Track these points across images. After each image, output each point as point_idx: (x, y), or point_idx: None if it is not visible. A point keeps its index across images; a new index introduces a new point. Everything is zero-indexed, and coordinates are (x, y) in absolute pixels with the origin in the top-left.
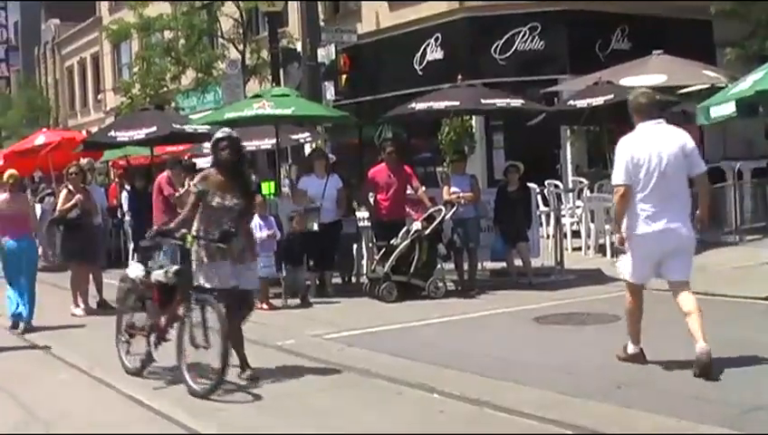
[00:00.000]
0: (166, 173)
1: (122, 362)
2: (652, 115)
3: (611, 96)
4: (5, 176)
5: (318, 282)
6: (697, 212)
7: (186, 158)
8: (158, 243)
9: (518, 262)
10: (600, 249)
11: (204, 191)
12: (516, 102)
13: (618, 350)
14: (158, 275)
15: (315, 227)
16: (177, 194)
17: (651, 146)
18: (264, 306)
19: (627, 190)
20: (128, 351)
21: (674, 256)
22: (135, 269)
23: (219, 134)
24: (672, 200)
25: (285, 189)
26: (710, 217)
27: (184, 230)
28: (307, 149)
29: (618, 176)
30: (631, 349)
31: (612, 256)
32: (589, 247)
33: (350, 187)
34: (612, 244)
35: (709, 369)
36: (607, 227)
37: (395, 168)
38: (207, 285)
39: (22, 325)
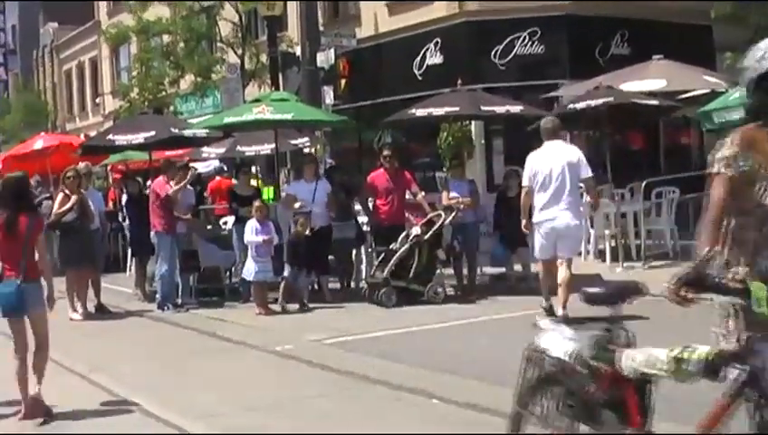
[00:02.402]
0: (161, 177)
1: None
2: (555, 136)
3: (611, 99)
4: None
5: (316, 287)
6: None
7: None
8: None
9: (518, 267)
10: (600, 255)
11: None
12: (516, 109)
13: None
14: (639, 360)
15: (307, 232)
16: (173, 195)
17: (548, 158)
18: (263, 311)
19: (529, 190)
20: None
21: (562, 238)
22: (560, 340)
23: None
24: (561, 196)
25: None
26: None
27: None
28: None
29: (524, 180)
30: (545, 304)
31: (612, 261)
32: (588, 253)
33: (349, 191)
34: (613, 248)
35: None
36: (606, 232)
37: (394, 172)
38: None
39: None
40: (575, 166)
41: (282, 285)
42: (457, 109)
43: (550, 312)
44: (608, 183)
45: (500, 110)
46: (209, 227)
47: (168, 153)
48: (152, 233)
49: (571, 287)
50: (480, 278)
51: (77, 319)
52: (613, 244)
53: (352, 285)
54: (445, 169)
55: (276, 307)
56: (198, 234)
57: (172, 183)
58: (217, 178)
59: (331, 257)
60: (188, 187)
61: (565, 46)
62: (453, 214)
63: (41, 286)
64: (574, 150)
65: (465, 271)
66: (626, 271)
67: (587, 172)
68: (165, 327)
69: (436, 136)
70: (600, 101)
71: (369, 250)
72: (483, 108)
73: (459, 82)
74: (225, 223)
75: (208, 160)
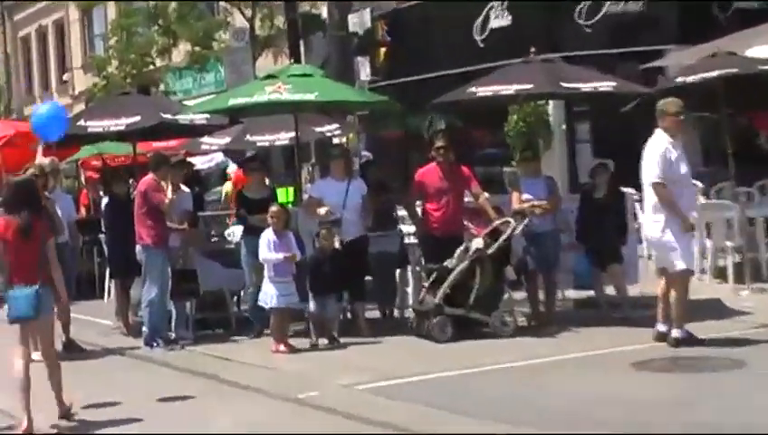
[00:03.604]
0: (150, 176)
1: None
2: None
3: (734, 69)
4: None
5: (349, 316)
6: None
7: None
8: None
9: (610, 290)
10: (720, 274)
11: None
12: (607, 85)
13: (746, 405)
14: None
15: (337, 244)
16: (166, 201)
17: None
18: (282, 347)
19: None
20: None
21: None
22: None
23: None
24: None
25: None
26: None
27: None
28: None
29: (656, 172)
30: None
31: (736, 281)
32: (704, 271)
33: (389, 193)
34: (737, 265)
35: None
36: (728, 243)
37: (449, 168)
38: None
39: None
40: None
41: (309, 316)
42: (530, 86)
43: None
44: (729, 180)
45: (585, 86)
46: (213, 239)
47: (158, 145)
48: (138, 247)
49: None
50: (561, 304)
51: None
52: (737, 259)
53: (395, 313)
54: (514, 164)
55: (299, 343)
56: (197, 248)
57: (165, 185)
58: (232, 170)
59: (367, 278)
60: (183, 188)
61: (673, 1)
62: (525, 221)
63: (53, 291)
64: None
65: (541, 295)
66: (754, 294)
67: None
68: (154, 369)
69: (504, 121)
70: (718, 72)
71: (417, 269)
72: (563, 84)
73: (533, 50)
74: (231, 235)
75: (209, 154)
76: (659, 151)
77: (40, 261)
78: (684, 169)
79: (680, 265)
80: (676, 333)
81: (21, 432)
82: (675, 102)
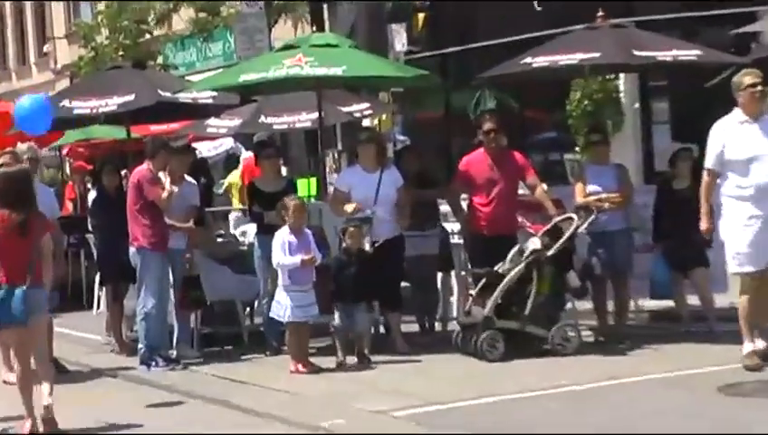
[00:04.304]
0: (145, 165)
1: None
2: None
3: None
4: None
5: (381, 330)
6: None
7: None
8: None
9: (693, 299)
10: None
11: None
12: (690, 54)
13: None
14: None
15: (367, 246)
16: (164, 194)
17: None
18: (301, 367)
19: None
20: None
21: None
22: None
23: None
24: None
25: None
26: None
27: None
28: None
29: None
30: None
31: None
32: None
33: (429, 186)
34: None
35: None
36: None
37: (500, 155)
38: None
39: None
40: None
41: (335, 330)
42: (597, 55)
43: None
44: None
45: (663, 55)
46: (220, 239)
47: (156, 128)
48: (132, 249)
49: None
50: (634, 316)
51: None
52: None
53: (437, 326)
54: (578, 149)
55: (324, 362)
56: (204, 251)
57: (163, 176)
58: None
59: (404, 285)
60: (188, 179)
61: None
62: (591, 217)
63: (44, 291)
64: None
65: (610, 305)
66: None
67: None
68: (152, 393)
69: (565, 98)
70: None
71: (463, 274)
72: (636, 52)
73: (600, 13)
74: (244, 234)
75: (218, 139)
76: (712, 133)
77: (31, 260)
78: (752, 151)
79: (732, 266)
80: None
81: (26, 433)
82: (751, 73)
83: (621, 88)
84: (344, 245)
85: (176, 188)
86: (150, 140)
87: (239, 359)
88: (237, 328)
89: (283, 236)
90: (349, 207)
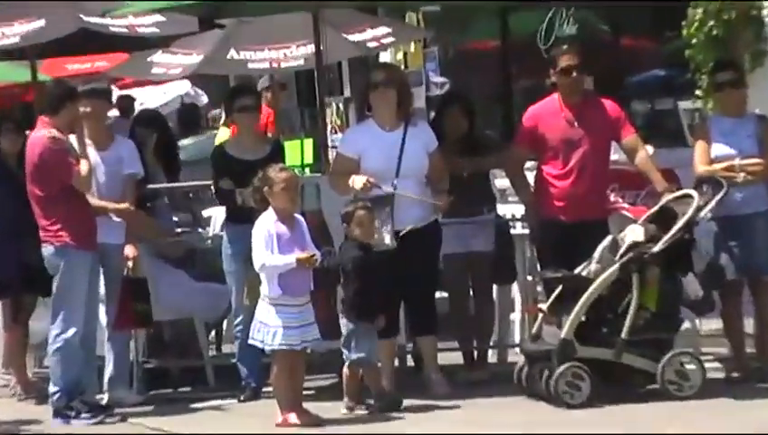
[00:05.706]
0: (44, 130)
1: None
2: None
3: None
4: None
5: (410, 360)
6: None
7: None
8: None
9: None
10: None
11: None
12: None
13: None
14: None
15: (387, 239)
16: (82, 169)
17: None
18: (293, 418)
19: None
20: None
21: None
22: None
23: None
24: None
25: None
26: None
27: None
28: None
29: None
30: None
31: None
32: None
33: (479, 151)
34: None
35: None
36: None
37: (583, 105)
38: None
39: None
40: None
41: (345, 370)
42: None
43: None
44: None
45: None
46: (179, 229)
47: (75, 67)
48: (49, 249)
49: None
50: None
51: None
52: None
53: (490, 356)
54: (700, 94)
55: (326, 409)
56: (149, 247)
57: (74, 140)
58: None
59: (441, 296)
60: (119, 137)
61: None
62: (720, 194)
63: None
64: None
65: (749, 324)
66: None
67: None
68: None
69: (682, 19)
70: None
71: (530, 279)
72: None
73: None
74: (207, 221)
75: (167, 84)
76: None
77: None
78: None
79: None
80: None
81: None
82: None
83: (765, 4)
84: (352, 236)
85: (97, 156)
86: (50, 85)
87: (200, 403)
88: (198, 360)
89: (266, 225)
90: (358, 182)
